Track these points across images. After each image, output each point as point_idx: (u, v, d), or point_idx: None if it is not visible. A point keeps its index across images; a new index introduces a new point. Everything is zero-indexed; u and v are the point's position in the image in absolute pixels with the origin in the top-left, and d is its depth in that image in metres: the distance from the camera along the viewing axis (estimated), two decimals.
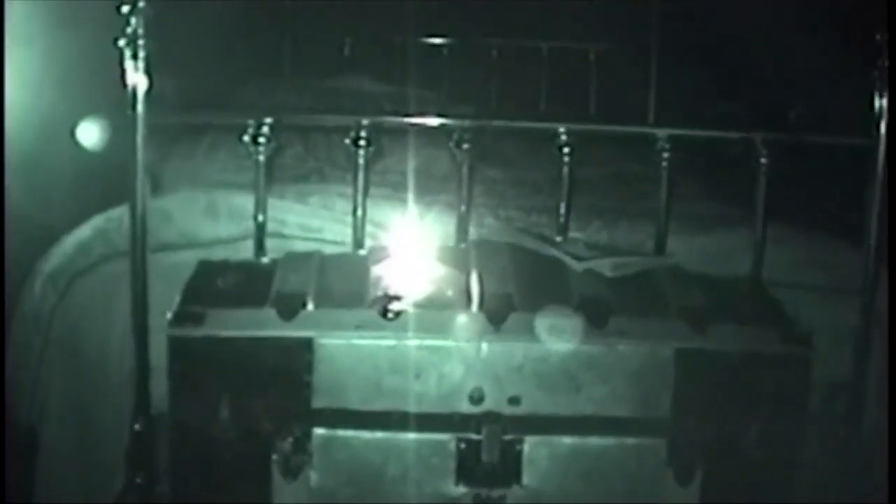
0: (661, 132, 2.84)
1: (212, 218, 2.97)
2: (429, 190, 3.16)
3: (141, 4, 2.38)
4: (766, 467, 2.55)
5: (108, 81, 2.49)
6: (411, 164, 3.19)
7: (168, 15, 2.46)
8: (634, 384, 2.53)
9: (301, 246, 2.91)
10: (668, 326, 2.57)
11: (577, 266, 2.75)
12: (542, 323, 2.51)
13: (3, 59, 2.85)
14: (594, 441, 2.55)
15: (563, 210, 2.92)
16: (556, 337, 2.49)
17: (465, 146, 2.77)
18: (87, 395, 2.92)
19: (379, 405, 2.51)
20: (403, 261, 2.76)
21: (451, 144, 2.79)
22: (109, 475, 2.78)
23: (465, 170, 2.80)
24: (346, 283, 2.65)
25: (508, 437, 2.53)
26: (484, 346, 2.50)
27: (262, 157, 2.75)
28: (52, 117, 3.19)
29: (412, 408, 2.50)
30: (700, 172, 3.77)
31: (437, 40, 5.09)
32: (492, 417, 2.52)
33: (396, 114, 3.03)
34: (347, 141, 2.77)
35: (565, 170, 2.85)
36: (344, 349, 2.50)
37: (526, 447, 2.54)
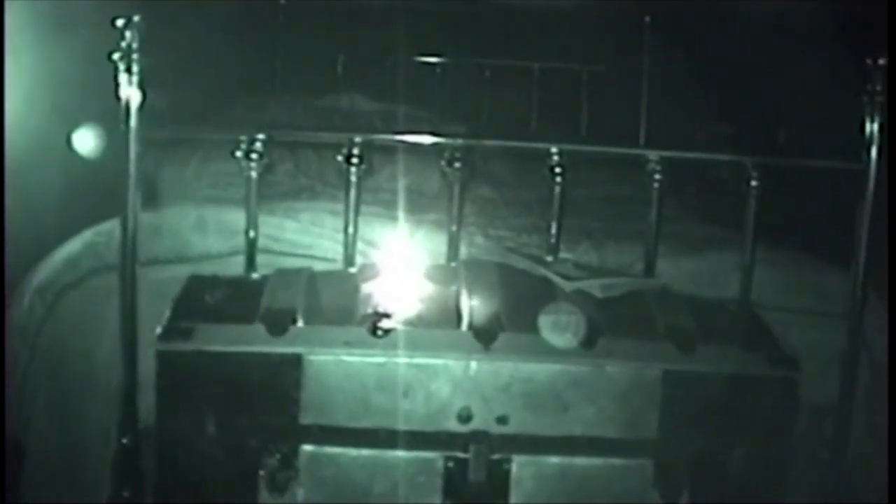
0: (653, 154, 2.85)
1: (202, 233, 2.98)
2: (420, 208, 3.17)
3: (136, 19, 2.38)
4: (752, 489, 2.55)
5: (100, 95, 2.49)
6: (402, 183, 3.19)
7: (162, 30, 2.46)
8: (622, 405, 2.53)
9: (291, 262, 2.91)
10: (656, 348, 2.57)
11: (567, 286, 2.75)
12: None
13: (3, 60, 2.85)
14: (581, 461, 2.55)
15: (553, 230, 2.92)
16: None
17: (457, 165, 2.78)
18: (75, 408, 2.91)
19: (367, 422, 2.50)
20: (393, 278, 2.76)
21: (443, 163, 2.79)
22: (96, 489, 2.77)
23: (456, 188, 2.81)
24: (335, 300, 2.66)
25: (496, 456, 2.53)
26: (472, 364, 2.50)
27: (253, 173, 2.76)
28: (43, 130, 3.18)
29: (400, 425, 2.50)
30: (689, 194, 3.78)
31: (431, 59, 5.10)
32: (479, 436, 2.52)
33: (388, 132, 3.03)
34: (339, 158, 2.77)
35: (556, 190, 2.85)
36: (332, 366, 2.49)
37: (513, 466, 2.54)
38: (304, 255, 2.96)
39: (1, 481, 2.71)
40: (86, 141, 3.21)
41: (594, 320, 2.60)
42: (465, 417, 2.51)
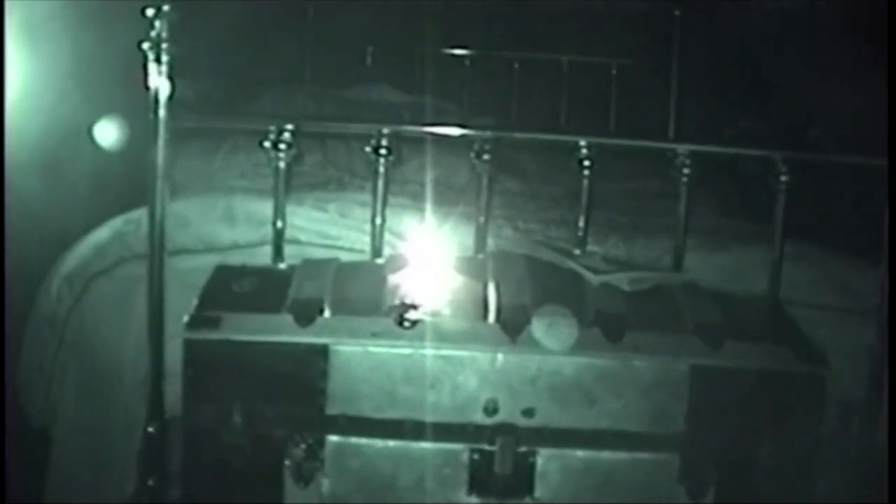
0: (682, 148, 2.84)
1: (229, 223, 2.98)
2: (448, 200, 3.17)
3: (165, 8, 2.38)
4: (778, 485, 2.54)
5: (129, 84, 2.49)
6: (431, 175, 3.19)
7: (192, 20, 2.46)
8: (648, 399, 2.52)
9: (319, 253, 2.92)
10: (684, 342, 2.56)
11: (594, 279, 2.74)
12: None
13: (3, 59, 2.85)
14: (607, 455, 2.54)
15: (581, 223, 2.91)
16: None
17: (485, 157, 2.78)
18: (101, 397, 2.93)
19: (393, 413, 2.51)
20: (421, 270, 2.76)
21: (472, 155, 2.79)
22: (122, 477, 2.78)
23: (484, 181, 2.81)
24: (362, 291, 2.65)
25: (522, 449, 2.53)
26: (499, 357, 2.50)
27: (282, 164, 2.76)
28: (72, 118, 3.19)
29: (426, 417, 2.50)
30: (718, 189, 3.77)
31: (459, 52, 5.10)
32: (506, 429, 2.52)
33: (417, 123, 3.02)
34: (368, 149, 2.77)
35: (585, 183, 2.85)
36: (359, 357, 2.50)
37: (539, 460, 2.53)
38: (331, 246, 2.97)
39: (1, 481, 2.71)
40: (113, 130, 3.22)
41: (622, 314, 2.60)
42: (491, 410, 2.51)
